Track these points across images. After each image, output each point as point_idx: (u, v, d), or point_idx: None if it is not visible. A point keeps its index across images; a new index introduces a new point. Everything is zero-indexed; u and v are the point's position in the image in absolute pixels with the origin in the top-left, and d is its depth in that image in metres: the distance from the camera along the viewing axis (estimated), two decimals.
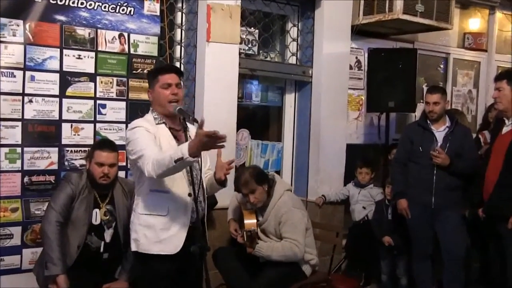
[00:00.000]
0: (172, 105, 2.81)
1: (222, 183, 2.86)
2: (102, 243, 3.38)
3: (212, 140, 2.42)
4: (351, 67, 5.52)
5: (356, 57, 5.63)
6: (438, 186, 4.19)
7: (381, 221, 4.63)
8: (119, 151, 3.54)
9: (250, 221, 3.80)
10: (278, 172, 5.18)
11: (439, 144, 4.21)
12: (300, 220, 3.73)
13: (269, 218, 3.77)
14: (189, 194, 2.79)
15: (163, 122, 2.86)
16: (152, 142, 2.72)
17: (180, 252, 2.81)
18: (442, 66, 6.46)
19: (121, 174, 3.85)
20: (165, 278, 2.81)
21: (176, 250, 2.80)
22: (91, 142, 3.89)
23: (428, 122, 4.31)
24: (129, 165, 3.37)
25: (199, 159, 2.61)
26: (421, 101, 5.78)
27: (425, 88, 5.91)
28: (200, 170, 2.81)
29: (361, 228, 4.88)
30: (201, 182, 2.82)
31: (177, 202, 2.80)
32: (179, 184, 2.80)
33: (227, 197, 4.19)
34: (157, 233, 2.79)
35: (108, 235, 3.41)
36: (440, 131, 4.27)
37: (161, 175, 2.61)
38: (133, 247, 2.89)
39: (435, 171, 4.18)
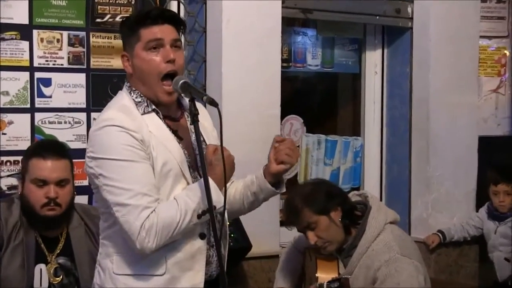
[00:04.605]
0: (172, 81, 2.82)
1: (277, 179, 2.98)
2: None
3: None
4: None
5: None
6: None
7: None
8: (78, 160, 3.56)
9: (326, 276, 3.80)
10: (357, 189, 5.04)
11: None
12: (411, 279, 3.60)
13: (356, 269, 3.73)
14: (202, 235, 2.84)
15: (153, 110, 2.88)
16: (145, 172, 2.75)
17: None
18: None
19: (81, 199, 3.86)
20: None
21: None
22: (26, 145, 3.90)
23: None
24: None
25: None
26: None
27: None
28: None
29: None
30: (224, 211, 2.86)
31: (181, 252, 2.82)
32: None
33: (268, 238, 4.32)
34: None
35: None
36: None
37: (163, 244, 2.75)
38: None
39: None
